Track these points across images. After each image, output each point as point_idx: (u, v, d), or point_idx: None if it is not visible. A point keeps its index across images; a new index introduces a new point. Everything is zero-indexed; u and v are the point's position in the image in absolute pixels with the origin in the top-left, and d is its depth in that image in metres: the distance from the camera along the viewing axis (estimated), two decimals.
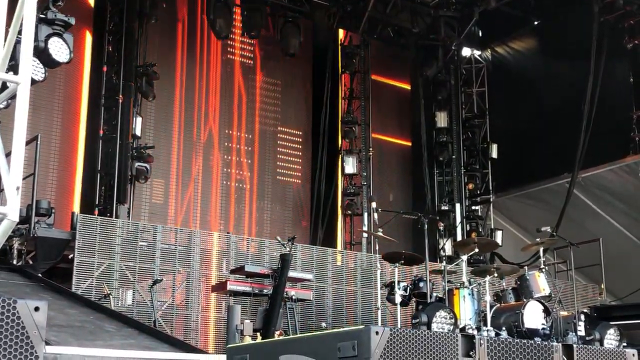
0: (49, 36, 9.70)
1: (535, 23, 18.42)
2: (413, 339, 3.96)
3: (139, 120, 15.16)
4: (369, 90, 18.65)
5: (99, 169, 14.79)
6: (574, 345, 4.44)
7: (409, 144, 19.69)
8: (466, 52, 19.44)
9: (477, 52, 19.56)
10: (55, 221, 11.65)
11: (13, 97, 4.93)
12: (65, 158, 15.01)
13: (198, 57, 17.00)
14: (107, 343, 6.76)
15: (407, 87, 19.78)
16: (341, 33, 18.81)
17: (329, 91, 17.94)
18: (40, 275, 9.92)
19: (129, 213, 14.61)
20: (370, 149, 18.34)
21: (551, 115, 16.89)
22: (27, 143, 8.14)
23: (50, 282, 9.37)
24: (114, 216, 13.89)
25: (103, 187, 14.73)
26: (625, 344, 9.57)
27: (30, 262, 11.04)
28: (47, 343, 5.40)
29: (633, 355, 4.75)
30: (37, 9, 9.26)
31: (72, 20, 10.19)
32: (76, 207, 14.47)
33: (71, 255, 11.22)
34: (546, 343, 4.36)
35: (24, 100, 4.73)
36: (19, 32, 5.04)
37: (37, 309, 3.61)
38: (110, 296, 10.96)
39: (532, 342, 4.30)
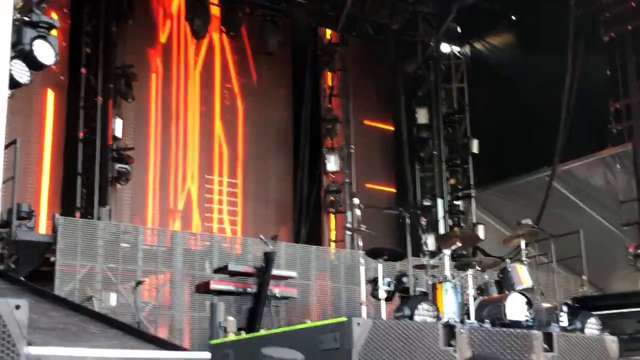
0: (34, 39, 9.68)
1: (513, 18, 18.49)
2: (395, 330, 3.98)
3: (118, 122, 15.11)
4: (349, 87, 18.68)
5: (79, 171, 14.72)
6: (554, 333, 4.48)
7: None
8: (445, 48, 19.50)
9: (456, 48, 19.62)
10: (36, 224, 11.59)
11: None
12: (45, 161, 14.92)
13: (175, 56, 16.96)
14: (91, 344, 6.74)
15: (387, 84, 19.77)
16: (320, 31, 18.82)
17: (309, 89, 17.93)
18: (22, 278, 9.87)
19: (111, 215, 14.56)
20: (352, 146, 18.36)
21: (530, 110, 16.97)
22: (6, 147, 8.08)
23: (33, 286, 9.30)
24: (95, 219, 13.84)
25: (84, 190, 14.66)
26: (606, 333, 9.63)
27: (12, 266, 10.96)
28: (30, 344, 5.39)
29: (612, 341, 4.80)
30: (22, 12, 9.26)
31: (57, 23, 10.15)
32: (57, 210, 14.39)
33: (53, 258, 11.16)
34: (527, 331, 4.40)
35: (2, 105, 4.70)
36: None
37: (18, 307, 3.60)
38: (94, 298, 10.92)
39: (512, 330, 4.33)
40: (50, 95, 15.19)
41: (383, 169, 19.35)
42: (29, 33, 9.60)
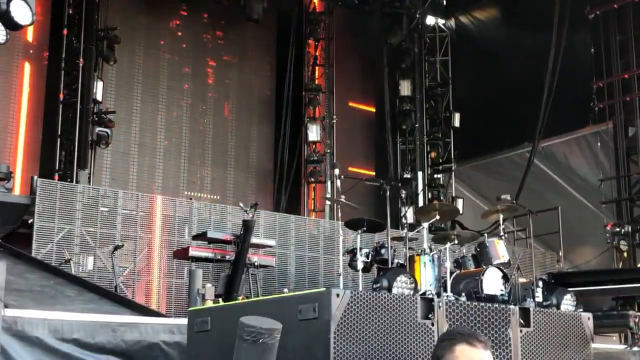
0: None
1: None
2: (373, 302, 3.99)
3: (99, 84, 14.97)
4: (333, 57, 18.59)
5: (59, 133, 14.58)
6: (531, 309, 4.51)
7: (373, 111, 19.69)
8: (430, 20, 19.45)
9: (441, 21, 19.57)
10: (14, 186, 11.50)
11: None
12: (24, 122, 14.79)
13: (159, 22, 16.78)
14: (67, 307, 6.74)
15: (371, 55, 19.69)
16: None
17: (292, 58, 17.82)
18: None
19: (90, 178, 14.47)
20: (334, 116, 18.32)
21: (513, 85, 17.00)
22: None
23: (10, 247, 9.28)
24: (74, 182, 13.74)
25: (63, 152, 14.54)
26: (581, 310, 9.76)
27: None
28: (6, 306, 5.38)
29: (588, 318, 4.85)
30: None
31: None
32: (32, 171, 14.25)
33: (31, 220, 11.09)
34: (504, 306, 4.42)
35: None
36: None
37: None
38: (71, 262, 10.88)
39: (490, 305, 4.36)
40: (31, 55, 15.06)
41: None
42: None
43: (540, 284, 10.09)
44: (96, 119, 14.77)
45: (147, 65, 16.49)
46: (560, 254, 15.00)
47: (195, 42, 17.38)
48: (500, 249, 10.44)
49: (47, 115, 14.88)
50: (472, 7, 19.24)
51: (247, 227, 10.61)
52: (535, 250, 13.65)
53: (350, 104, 19.45)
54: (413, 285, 8.98)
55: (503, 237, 10.74)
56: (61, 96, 14.65)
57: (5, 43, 10.09)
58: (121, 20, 15.73)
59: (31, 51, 15.12)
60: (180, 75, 17.06)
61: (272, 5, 17.31)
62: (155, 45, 16.71)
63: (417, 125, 18.98)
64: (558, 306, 9.57)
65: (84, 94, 14.55)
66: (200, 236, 11.17)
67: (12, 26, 9.78)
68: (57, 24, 15.00)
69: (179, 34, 17.20)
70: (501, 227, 10.94)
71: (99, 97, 14.91)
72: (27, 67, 15.04)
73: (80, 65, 14.64)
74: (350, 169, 17.92)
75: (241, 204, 11.08)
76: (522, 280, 10.69)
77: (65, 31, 14.84)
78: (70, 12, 14.94)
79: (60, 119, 14.58)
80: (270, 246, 11.88)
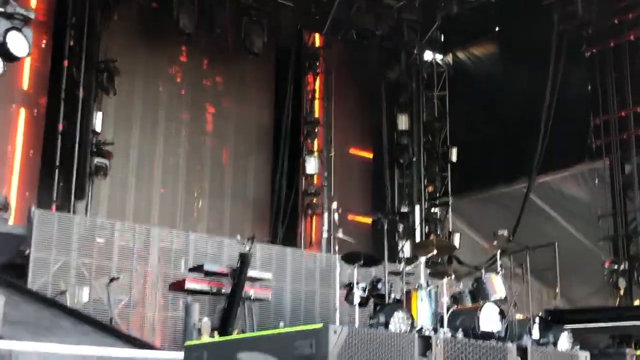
0: (7, 30, 9.62)
1: (497, 29, 18.60)
2: (371, 339, 3.99)
3: (99, 115, 14.99)
4: (331, 91, 18.69)
5: (57, 164, 14.57)
6: (529, 348, 4.50)
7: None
8: (428, 56, 19.59)
9: (438, 57, 19.70)
10: (9, 216, 11.49)
11: None
12: (21, 152, 14.79)
13: (160, 53, 16.87)
14: (62, 339, 6.72)
15: (370, 89, 19.78)
16: (305, 34, 18.80)
17: (291, 91, 17.91)
18: None
19: (87, 209, 14.44)
20: (332, 149, 18.36)
21: (510, 121, 17.09)
22: None
23: (5, 278, 9.27)
24: (71, 212, 13.72)
25: (61, 183, 14.52)
26: (578, 347, 9.71)
27: None
28: (1, 337, 5.36)
29: (585, 357, 4.84)
30: None
31: (32, 14, 10.09)
32: (27, 202, 14.21)
33: (27, 251, 11.06)
34: (501, 344, 4.42)
35: None
36: None
37: None
38: (67, 293, 10.84)
39: (488, 342, 4.35)
40: (31, 86, 15.13)
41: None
42: (2, 24, 9.55)
43: (537, 321, 10.04)
44: (95, 149, 14.77)
45: (147, 97, 16.54)
46: (557, 290, 14.95)
47: (194, 73, 17.46)
48: (497, 285, 10.41)
49: (45, 145, 14.87)
50: (469, 43, 19.40)
51: (244, 260, 10.58)
52: (532, 286, 13.61)
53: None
54: (410, 321, 8.91)
55: (500, 273, 10.71)
56: (60, 127, 14.66)
57: (2, 74, 10.17)
58: (121, 53, 15.78)
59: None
60: (179, 106, 17.12)
61: (271, 40, 17.44)
62: (154, 80, 16.78)
63: (414, 159, 19.03)
64: (555, 344, 9.50)
65: (83, 124, 14.58)
66: (197, 269, 11.13)
67: (9, 58, 9.86)
68: (57, 55, 15.06)
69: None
70: (498, 262, 10.92)
71: (97, 128, 14.93)
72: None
73: (80, 96, 14.68)
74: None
75: (238, 237, 11.06)
76: (519, 316, 10.64)
77: (65, 62, 14.89)
78: (71, 43, 15.01)
79: (59, 149, 14.58)
80: (267, 279, 11.83)
